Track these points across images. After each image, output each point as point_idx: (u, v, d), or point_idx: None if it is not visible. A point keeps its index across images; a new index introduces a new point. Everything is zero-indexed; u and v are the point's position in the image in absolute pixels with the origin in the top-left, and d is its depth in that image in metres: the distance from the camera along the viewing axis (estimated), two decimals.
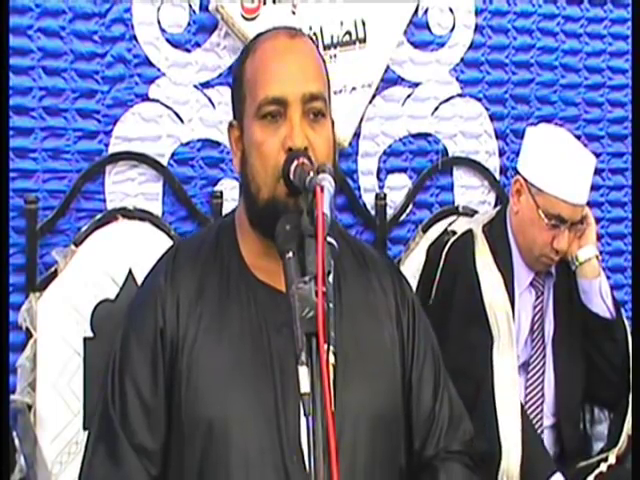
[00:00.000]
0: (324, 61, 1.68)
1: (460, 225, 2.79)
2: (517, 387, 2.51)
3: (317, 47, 1.72)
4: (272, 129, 1.58)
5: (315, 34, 2.88)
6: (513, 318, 2.55)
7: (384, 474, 1.67)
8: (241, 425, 1.57)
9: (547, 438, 2.64)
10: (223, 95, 2.83)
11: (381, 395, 1.66)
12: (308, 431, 1.33)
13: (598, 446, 2.72)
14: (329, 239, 1.40)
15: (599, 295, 2.61)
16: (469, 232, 2.67)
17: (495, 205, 3.16)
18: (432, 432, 1.73)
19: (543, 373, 2.64)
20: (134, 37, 2.78)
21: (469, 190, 3.17)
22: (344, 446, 1.56)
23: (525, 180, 2.63)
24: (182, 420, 1.60)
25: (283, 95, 1.58)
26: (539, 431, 2.60)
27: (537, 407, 2.63)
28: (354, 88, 2.97)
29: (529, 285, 2.67)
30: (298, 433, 1.56)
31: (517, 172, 2.69)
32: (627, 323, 2.69)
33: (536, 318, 2.67)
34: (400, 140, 3.10)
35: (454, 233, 2.71)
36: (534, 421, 2.60)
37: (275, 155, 1.57)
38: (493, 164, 3.21)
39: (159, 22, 2.80)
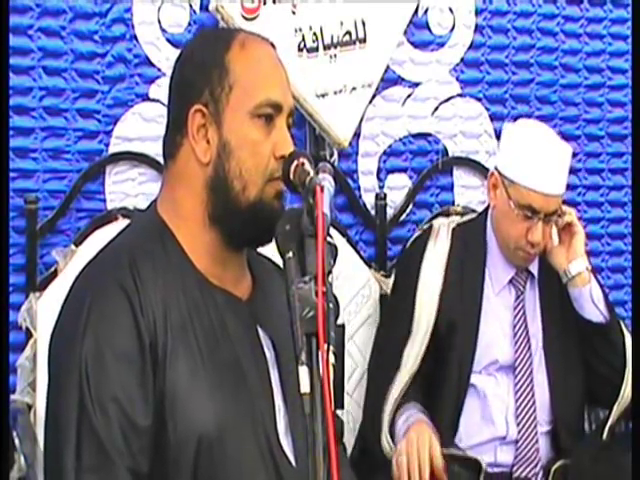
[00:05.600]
0: None
1: (439, 222, 2.85)
2: None
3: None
4: (266, 131, 1.59)
5: (315, 34, 2.88)
6: (457, 323, 2.63)
7: None
8: (233, 435, 1.53)
9: (543, 444, 2.59)
10: None
11: None
12: (308, 431, 1.33)
13: None
14: (329, 239, 1.41)
15: (590, 301, 2.58)
16: (430, 228, 2.77)
17: None
18: None
19: (531, 374, 2.61)
20: (134, 37, 2.78)
21: (469, 190, 3.18)
22: None
23: (500, 173, 2.63)
24: (168, 439, 1.49)
25: (281, 102, 1.60)
26: (533, 437, 2.57)
27: (529, 411, 2.58)
28: (354, 88, 2.97)
29: (508, 283, 2.67)
30: (276, 432, 1.57)
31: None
32: (625, 323, 2.68)
33: (517, 318, 2.65)
34: (400, 140, 3.10)
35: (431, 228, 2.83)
36: (527, 426, 2.57)
37: (268, 158, 1.58)
38: (493, 164, 3.20)
39: (159, 22, 2.80)
